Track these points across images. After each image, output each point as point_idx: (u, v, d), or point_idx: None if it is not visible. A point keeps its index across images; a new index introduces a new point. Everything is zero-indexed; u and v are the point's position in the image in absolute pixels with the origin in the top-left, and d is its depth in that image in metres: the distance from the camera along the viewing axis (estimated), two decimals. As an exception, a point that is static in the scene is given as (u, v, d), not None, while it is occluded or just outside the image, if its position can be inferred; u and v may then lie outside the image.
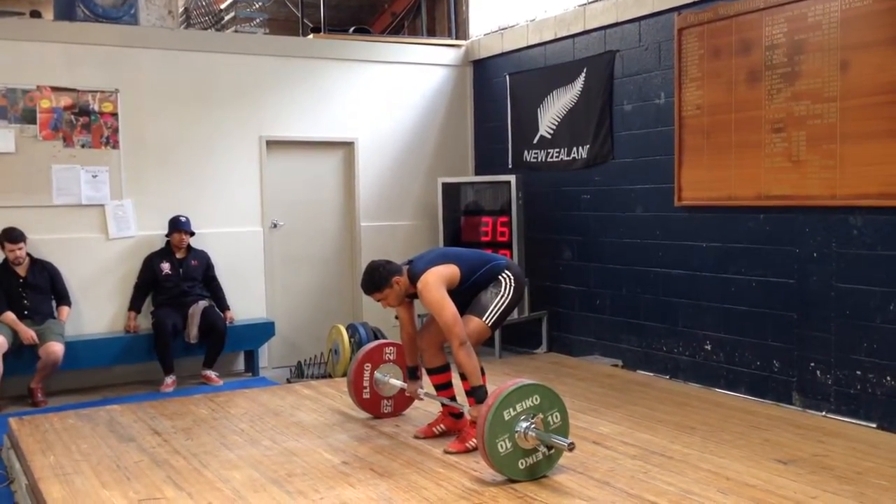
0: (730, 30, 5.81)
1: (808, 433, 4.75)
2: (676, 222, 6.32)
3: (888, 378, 4.99)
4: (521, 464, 4.00)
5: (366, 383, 5.16)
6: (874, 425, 4.97)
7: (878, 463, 4.21)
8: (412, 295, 4.61)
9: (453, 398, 4.78)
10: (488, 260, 4.67)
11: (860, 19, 5.03)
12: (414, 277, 4.47)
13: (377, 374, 5.17)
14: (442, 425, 4.79)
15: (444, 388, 4.80)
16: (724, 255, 5.96)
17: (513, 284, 4.54)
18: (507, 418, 3.96)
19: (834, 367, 5.28)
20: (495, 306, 4.49)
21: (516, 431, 3.97)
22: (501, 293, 4.51)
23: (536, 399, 4.04)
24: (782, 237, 5.56)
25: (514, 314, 7.25)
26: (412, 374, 4.91)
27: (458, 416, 4.76)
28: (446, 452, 4.43)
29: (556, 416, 4.09)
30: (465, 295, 4.51)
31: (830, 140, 5.21)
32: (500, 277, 4.55)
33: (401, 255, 6.91)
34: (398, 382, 5.08)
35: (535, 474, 4.04)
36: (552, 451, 4.06)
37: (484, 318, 4.45)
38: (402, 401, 5.25)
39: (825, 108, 5.24)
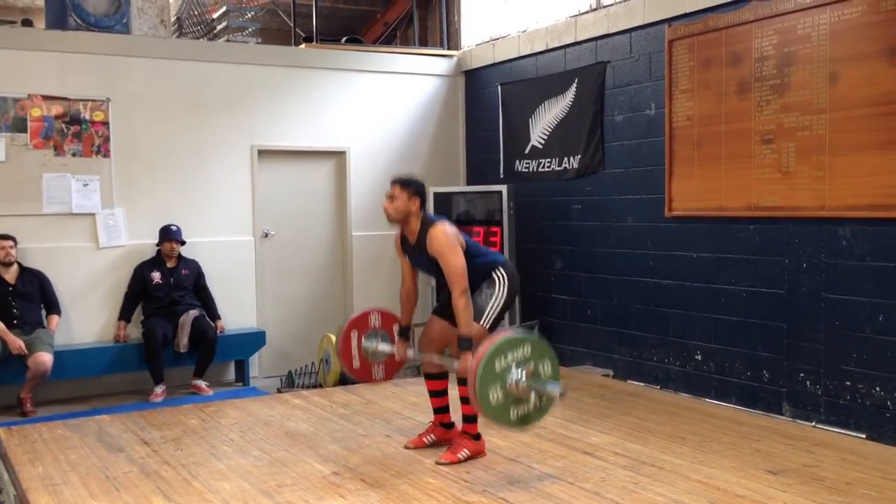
0: (720, 41, 5.85)
1: (798, 444, 4.76)
2: (667, 232, 6.34)
3: (877, 388, 5.01)
4: (513, 413, 4.00)
5: (354, 351, 5.09)
6: (863, 436, 4.99)
7: (868, 474, 4.22)
8: (413, 249, 4.56)
9: (447, 406, 4.77)
10: (485, 252, 4.66)
11: (849, 32, 5.07)
12: (428, 222, 4.46)
13: (365, 342, 5.10)
14: (432, 435, 4.78)
15: (439, 395, 4.78)
16: (715, 265, 5.98)
17: (506, 283, 4.51)
18: (498, 368, 3.96)
19: (824, 377, 5.30)
20: (491, 308, 4.47)
21: (508, 381, 3.97)
22: (495, 295, 4.50)
23: (527, 349, 4.04)
24: (772, 248, 5.59)
25: (506, 322, 7.27)
26: (403, 334, 4.86)
27: (449, 426, 4.76)
28: (438, 463, 4.43)
29: (547, 367, 4.09)
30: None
31: (820, 151, 5.24)
32: (493, 276, 4.52)
33: (393, 264, 6.93)
34: (387, 347, 5.01)
35: (528, 423, 4.05)
36: (543, 401, 4.06)
37: (482, 322, 4.43)
38: (393, 365, 5.14)
39: (814, 119, 5.27)
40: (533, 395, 4.02)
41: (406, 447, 4.77)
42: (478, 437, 4.53)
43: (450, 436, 4.72)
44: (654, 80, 6.39)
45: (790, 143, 5.41)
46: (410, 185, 4.47)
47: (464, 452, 4.44)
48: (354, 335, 5.06)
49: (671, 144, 6.23)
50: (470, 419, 4.51)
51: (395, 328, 4.97)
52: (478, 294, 4.49)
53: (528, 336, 4.14)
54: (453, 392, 4.67)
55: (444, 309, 4.61)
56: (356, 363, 5.06)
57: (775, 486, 4.04)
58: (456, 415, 4.74)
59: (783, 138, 5.45)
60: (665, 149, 6.27)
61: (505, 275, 4.53)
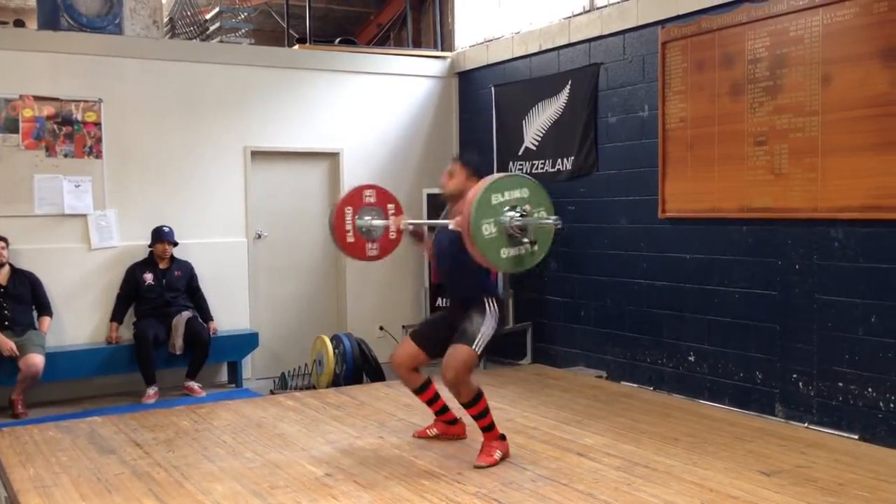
0: (713, 43, 5.86)
1: (791, 444, 4.77)
2: (660, 234, 6.34)
3: (870, 390, 5.02)
4: (504, 252, 4.02)
5: (349, 227, 5.04)
6: (856, 437, 5.00)
7: (860, 475, 4.23)
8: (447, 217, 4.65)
9: (446, 406, 4.84)
10: (484, 274, 4.57)
11: (841, 34, 5.09)
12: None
13: (358, 220, 5.05)
14: (435, 429, 4.93)
15: (432, 401, 4.86)
16: (708, 266, 5.98)
17: (496, 314, 4.50)
18: (494, 202, 3.97)
19: (816, 378, 5.31)
20: (482, 335, 4.42)
21: (502, 219, 3.99)
22: (485, 323, 4.45)
23: (525, 192, 4.06)
24: (765, 249, 5.60)
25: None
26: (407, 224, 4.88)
27: (453, 422, 4.88)
28: (476, 467, 4.36)
29: (543, 214, 4.10)
30: (458, 288, 4.51)
31: (812, 153, 5.25)
32: (485, 304, 4.48)
33: (385, 266, 6.92)
34: (381, 222, 5.01)
35: (520, 266, 4.09)
36: (535, 246, 4.06)
37: (473, 346, 4.39)
38: (387, 244, 5.14)
39: (807, 121, 5.28)
40: (526, 239, 4.03)
41: (413, 436, 4.94)
42: (503, 437, 4.56)
43: (453, 431, 4.87)
44: (648, 81, 6.39)
45: (783, 145, 5.42)
46: (470, 166, 4.65)
47: (497, 453, 4.46)
48: (349, 212, 5.03)
49: (664, 146, 6.24)
50: (487, 429, 4.49)
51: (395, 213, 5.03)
52: (468, 322, 4.45)
53: (527, 178, 4.15)
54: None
55: (422, 335, 4.69)
56: (350, 238, 5.04)
57: (768, 487, 4.05)
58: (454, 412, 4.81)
59: (776, 140, 5.46)
60: (658, 150, 6.27)
61: (496, 306, 4.53)
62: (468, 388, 4.35)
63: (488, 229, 3.95)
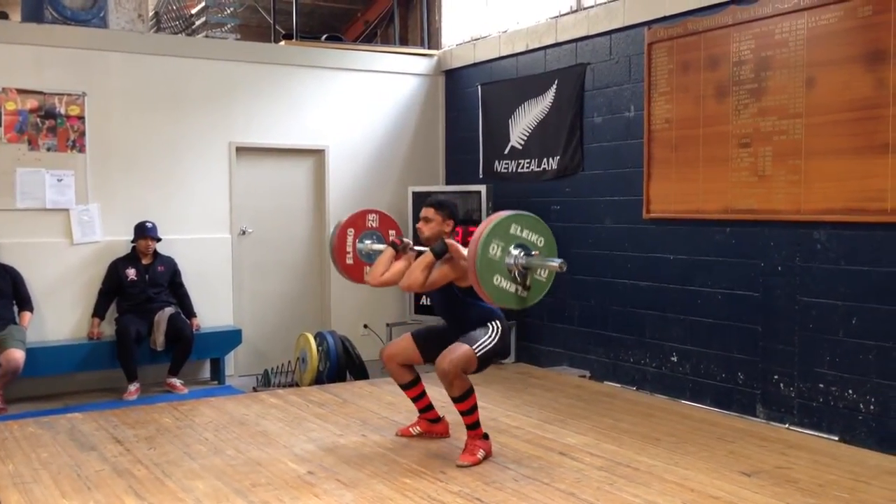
0: (699, 45, 5.88)
1: (772, 445, 4.80)
2: (644, 234, 6.37)
3: (850, 391, 5.05)
4: (497, 279, 4.09)
5: (349, 249, 5.12)
6: (836, 438, 5.04)
7: (840, 476, 4.26)
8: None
9: (431, 405, 4.88)
10: (485, 302, 4.57)
11: (826, 37, 5.12)
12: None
13: (359, 243, 5.11)
14: (418, 427, 4.94)
15: (419, 398, 4.88)
16: (691, 267, 6.01)
17: (499, 334, 4.51)
18: (511, 231, 4.08)
19: (797, 379, 5.34)
20: (484, 343, 4.43)
21: (511, 250, 4.08)
22: (490, 334, 4.48)
23: (541, 240, 4.18)
24: (748, 251, 5.63)
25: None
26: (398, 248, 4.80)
27: (436, 420, 4.90)
28: (459, 466, 4.37)
29: (544, 273, 4.21)
30: (456, 320, 4.53)
31: (796, 156, 5.28)
32: (489, 325, 4.51)
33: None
34: (381, 247, 5.01)
35: (505, 301, 4.17)
36: (526, 292, 4.17)
37: (474, 347, 4.40)
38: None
39: (791, 123, 5.31)
40: (520, 279, 4.12)
41: (396, 434, 4.94)
42: (486, 436, 4.56)
43: (436, 429, 4.89)
44: (634, 82, 6.41)
45: (767, 147, 5.45)
46: (444, 208, 4.60)
47: (481, 452, 4.46)
48: (350, 233, 5.12)
49: (649, 147, 6.26)
50: (473, 426, 4.49)
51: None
52: (471, 332, 4.48)
53: (548, 229, 4.23)
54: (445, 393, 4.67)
55: (423, 336, 4.71)
56: (349, 260, 5.14)
57: (749, 487, 4.07)
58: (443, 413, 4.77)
59: (760, 142, 5.49)
60: (643, 151, 6.29)
61: (500, 327, 4.54)
62: (461, 382, 4.36)
63: (494, 250, 4.03)
